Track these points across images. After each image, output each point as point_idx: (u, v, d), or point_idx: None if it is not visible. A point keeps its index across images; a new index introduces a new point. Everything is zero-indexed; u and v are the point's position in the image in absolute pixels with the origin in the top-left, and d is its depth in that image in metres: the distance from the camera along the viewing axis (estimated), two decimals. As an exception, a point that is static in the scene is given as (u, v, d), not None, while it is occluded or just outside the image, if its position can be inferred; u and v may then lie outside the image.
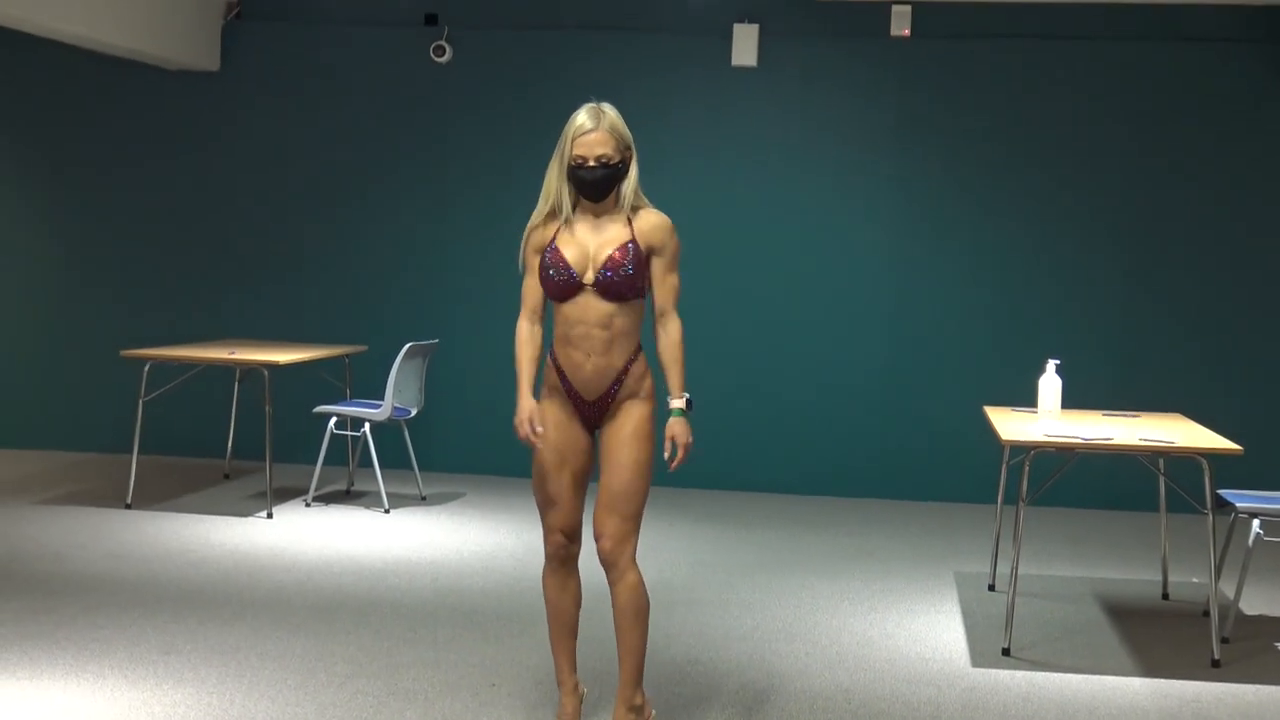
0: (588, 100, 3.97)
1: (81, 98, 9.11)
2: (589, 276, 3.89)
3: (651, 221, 3.92)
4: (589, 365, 3.92)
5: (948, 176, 8.40)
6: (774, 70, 8.49)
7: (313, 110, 8.94)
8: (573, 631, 4.08)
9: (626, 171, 3.93)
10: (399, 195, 8.86)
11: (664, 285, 3.93)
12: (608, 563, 3.94)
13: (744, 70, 8.49)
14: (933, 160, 8.41)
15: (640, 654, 3.95)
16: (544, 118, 9.16)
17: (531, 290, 4.06)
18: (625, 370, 3.92)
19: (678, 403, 3.93)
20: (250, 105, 9.00)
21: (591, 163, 3.87)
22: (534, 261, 4.02)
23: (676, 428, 3.92)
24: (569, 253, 3.92)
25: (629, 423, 3.93)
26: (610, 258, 3.88)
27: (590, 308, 3.92)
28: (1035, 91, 8.33)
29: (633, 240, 3.89)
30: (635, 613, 3.91)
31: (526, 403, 3.95)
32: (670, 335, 3.94)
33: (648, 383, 3.96)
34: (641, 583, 3.92)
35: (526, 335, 4.07)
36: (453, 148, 8.80)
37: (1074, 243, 8.34)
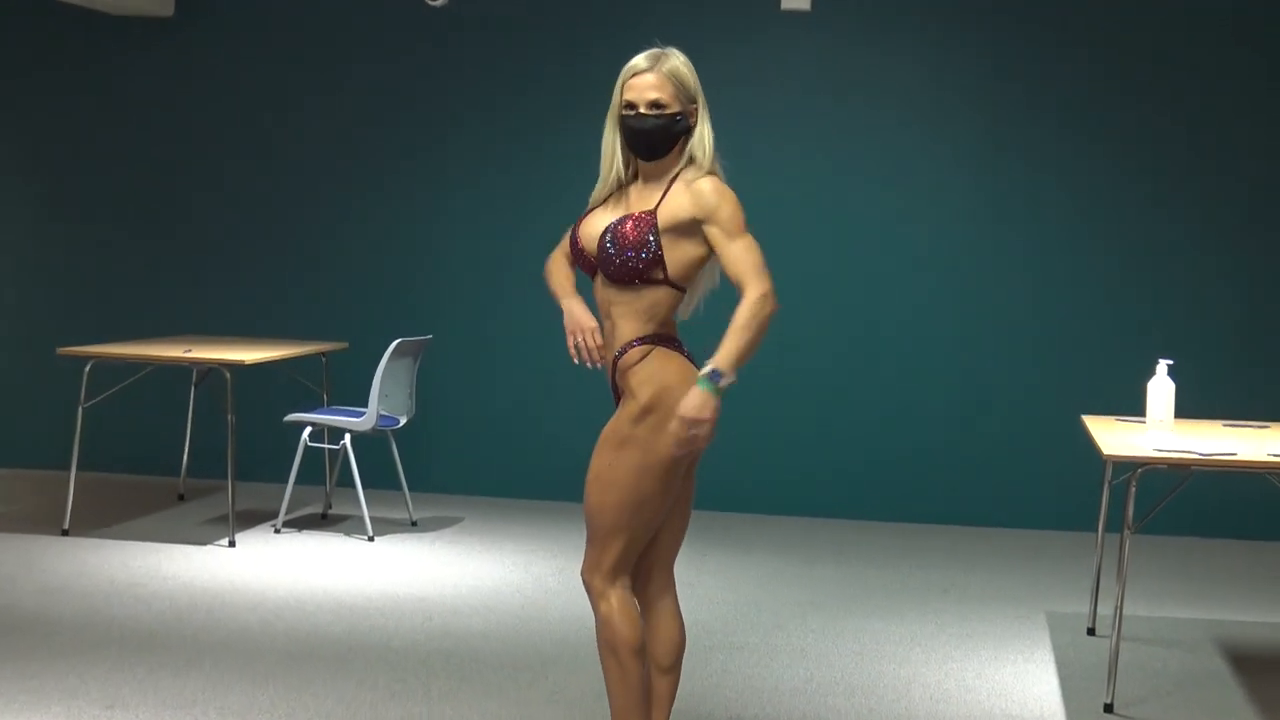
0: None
1: (7, 50, 9.17)
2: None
3: (694, 185, 3.85)
4: (609, 358, 3.96)
5: (1041, 145, 8.37)
6: (831, 15, 8.48)
7: (284, 65, 8.98)
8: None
9: (689, 128, 3.90)
10: (386, 164, 8.89)
11: (729, 254, 3.82)
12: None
13: (796, 15, 8.48)
14: (1023, 125, 8.38)
15: (614, 700, 3.95)
16: (559, 71, 9.26)
17: (570, 237, 4.09)
18: (615, 363, 3.91)
19: (705, 369, 3.73)
20: (210, 59, 9.03)
21: (642, 108, 3.85)
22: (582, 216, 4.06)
23: (689, 399, 3.72)
24: (594, 224, 3.94)
25: (607, 427, 3.93)
26: (615, 230, 3.85)
27: (599, 291, 3.96)
28: (1159, 43, 8.28)
29: (654, 212, 3.85)
30: (605, 649, 3.94)
31: (577, 305, 3.97)
32: (741, 304, 3.78)
33: (646, 384, 3.85)
34: (612, 616, 3.90)
35: (557, 257, 4.12)
36: (451, 108, 8.82)
37: (1190, 224, 8.30)
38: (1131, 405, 6.44)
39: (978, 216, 8.44)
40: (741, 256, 3.83)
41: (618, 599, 3.93)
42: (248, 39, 8.99)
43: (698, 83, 3.92)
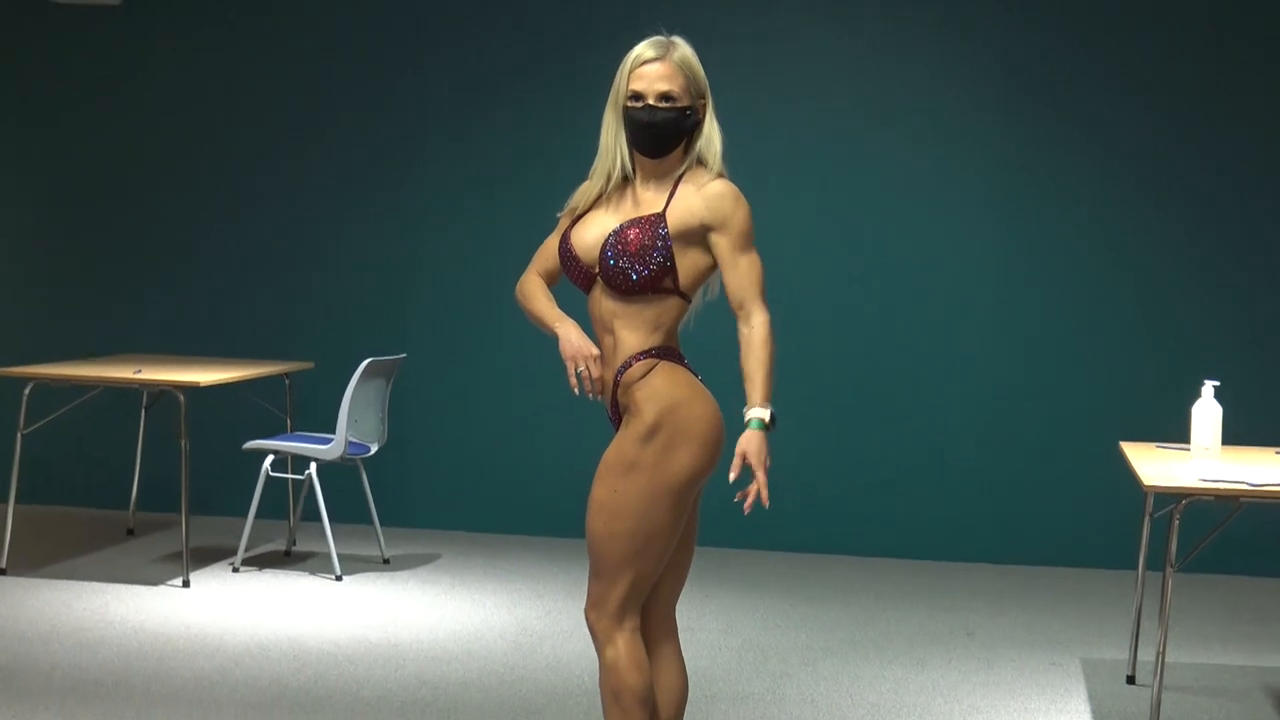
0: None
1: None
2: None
3: (707, 189, 3.86)
4: (608, 379, 3.92)
5: (1076, 143, 8.38)
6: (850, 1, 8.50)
7: (241, 59, 8.99)
8: None
9: (698, 124, 3.91)
10: (355, 166, 8.89)
11: (735, 270, 3.85)
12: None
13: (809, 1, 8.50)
14: (1057, 122, 8.39)
15: None
16: (547, 50, 9.25)
17: (547, 251, 4.07)
18: (616, 382, 3.88)
19: (751, 414, 3.81)
20: (162, 49, 9.05)
21: (651, 100, 3.85)
22: (564, 223, 4.02)
23: (748, 443, 3.80)
24: (590, 231, 3.92)
25: (610, 450, 3.91)
26: (619, 236, 3.84)
27: (598, 303, 3.94)
28: (1197, 53, 8.30)
29: (663, 215, 3.85)
30: (608, 695, 3.92)
31: (573, 330, 3.93)
32: (754, 332, 3.83)
33: (651, 400, 3.84)
34: (618, 662, 3.89)
35: (531, 278, 4.10)
36: (429, 101, 8.83)
37: (1238, 236, 8.30)
38: (1175, 431, 6.43)
39: (1003, 226, 8.44)
40: (749, 274, 3.86)
41: (625, 643, 3.90)
42: (203, 27, 9.00)
43: (703, 74, 3.92)
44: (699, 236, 3.85)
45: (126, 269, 9.09)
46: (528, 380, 8.53)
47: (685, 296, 3.89)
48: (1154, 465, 5.56)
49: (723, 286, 3.90)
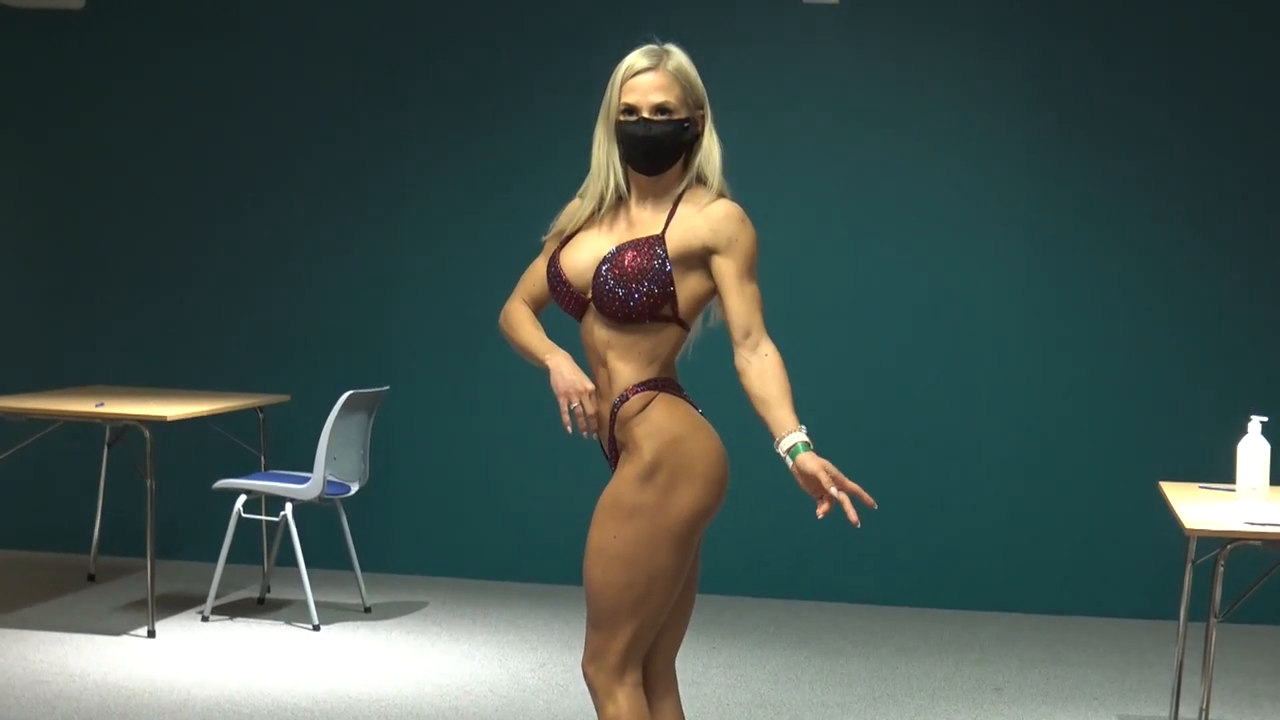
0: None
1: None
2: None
3: (710, 209, 3.86)
4: (604, 414, 3.93)
5: (1107, 160, 8.41)
6: (862, 7, 8.53)
7: (213, 64, 9.02)
8: None
9: (696, 137, 3.91)
10: (333, 182, 8.92)
11: (741, 297, 3.85)
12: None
13: (821, 8, 8.53)
14: (1085, 137, 8.42)
15: None
16: (530, 74, 9.29)
17: (534, 276, 4.09)
18: (612, 417, 3.88)
19: (793, 439, 3.82)
20: (125, 57, 9.08)
21: (646, 113, 3.85)
22: (550, 246, 4.03)
23: (813, 464, 3.80)
24: (582, 253, 3.92)
25: (607, 490, 3.90)
26: (615, 260, 3.84)
27: (591, 332, 3.94)
28: (1248, 46, 8.35)
29: (661, 237, 3.85)
30: None
31: (565, 363, 3.92)
32: (765, 363, 3.84)
33: (651, 436, 3.83)
34: (620, 717, 3.87)
35: (516, 306, 4.12)
36: (411, 123, 8.86)
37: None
38: (1219, 470, 6.44)
39: (1033, 250, 8.46)
40: (755, 301, 3.87)
41: (626, 699, 3.89)
42: (169, 33, 9.03)
43: (700, 83, 3.93)
44: (700, 260, 3.85)
45: (88, 294, 9.11)
46: (519, 415, 8.55)
47: (684, 325, 3.90)
48: (1197, 507, 5.57)
49: (722, 314, 3.90)
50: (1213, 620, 5.18)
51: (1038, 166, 8.46)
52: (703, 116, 3.93)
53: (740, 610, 8.15)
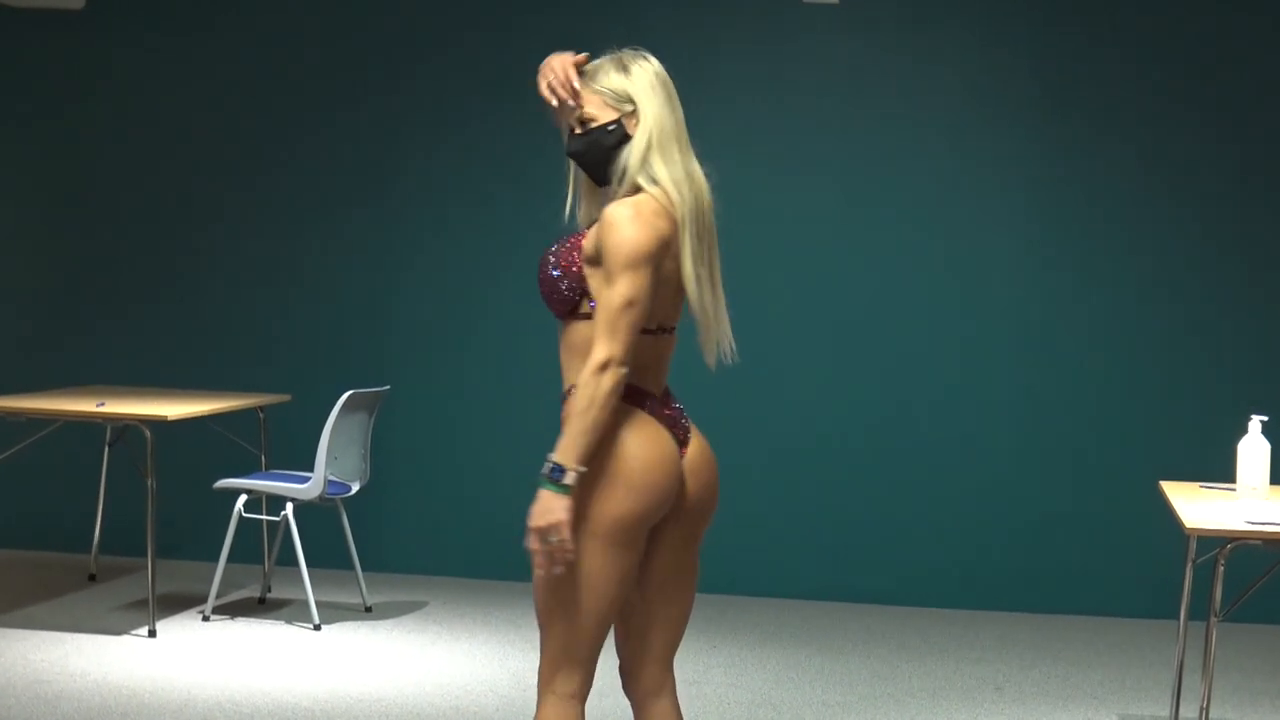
0: (609, 46, 3.97)
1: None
2: None
3: (602, 214, 3.80)
4: None
5: (1110, 162, 8.41)
6: (862, 7, 8.53)
7: (213, 65, 9.03)
8: None
9: (627, 137, 3.86)
10: (334, 182, 8.92)
11: (597, 307, 3.76)
12: None
13: (820, 7, 8.53)
14: (1085, 138, 8.43)
15: None
16: (532, 73, 9.19)
17: None
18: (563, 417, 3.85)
19: (547, 467, 3.73)
20: (125, 57, 9.08)
21: (576, 129, 3.89)
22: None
23: (534, 505, 3.73)
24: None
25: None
26: (548, 254, 3.87)
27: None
28: (1258, 43, 8.35)
29: (580, 238, 3.86)
30: None
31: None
32: (579, 387, 3.72)
33: (600, 448, 3.78)
34: None
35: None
36: (412, 112, 8.87)
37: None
38: (1220, 470, 6.45)
39: (1033, 250, 8.47)
40: (603, 313, 3.73)
41: (552, 710, 3.82)
42: (170, 33, 9.03)
43: (646, 83, 3.86)
44: (599, 263, 3.81)
45: (88, 294, 9.11)
46: (519, 415, 8.55)
47: None
48: (1197, 506, 5.57)
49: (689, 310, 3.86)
50: (1213, 619, 5.18)
51: (1038, 167, 8.47)
52: (632, 114, 3.87)
53: (740, 610, 8.15)
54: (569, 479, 3.68)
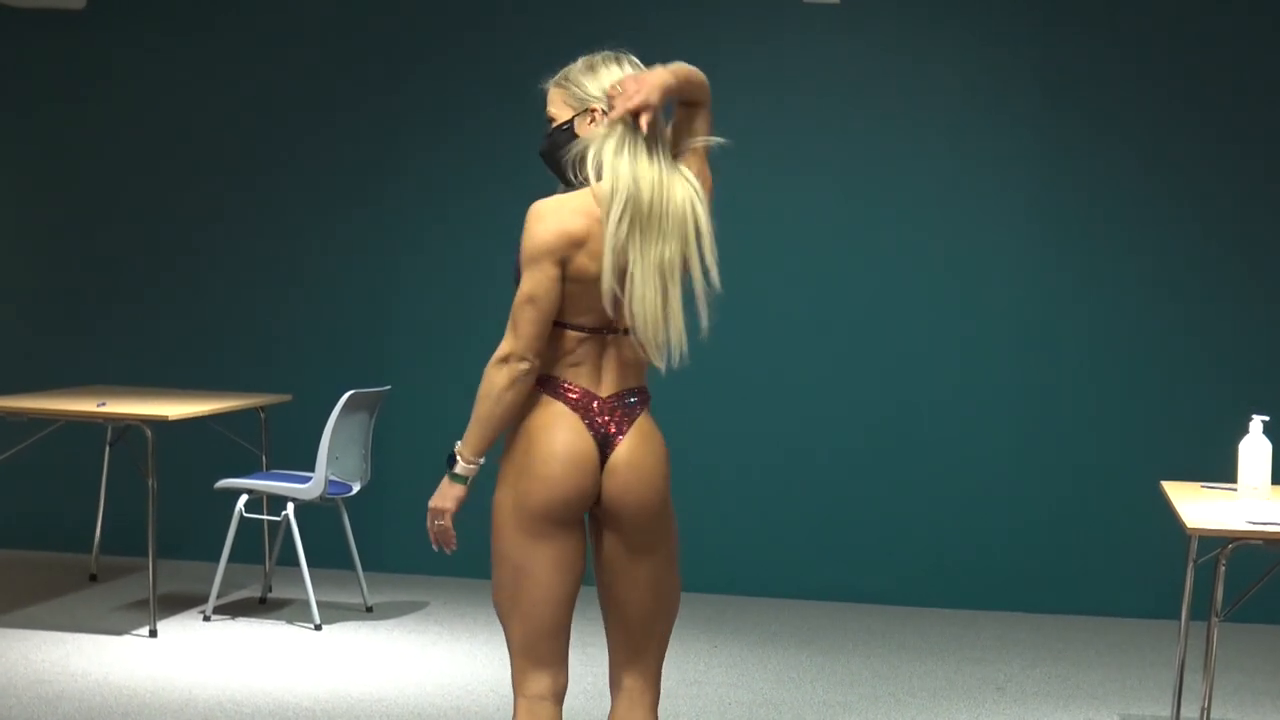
0: (611, 46, 3.99)
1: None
2: None
3: None
4: None
5: (1110, 162, 8.41)
6: (862, 7, 8.54)
7: (213, 65, 9.03)
8: None
9: (574, 136, 3.88)
10: (334, 182, 8.92)
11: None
12: None
13: (820, 7, 8.53)
14: (1087, 138, 8.43)
15: None
16: (532, 73, 9.21)
17: None
18: None
19: (452, 458, 3.93)
20: (125, 57, 9.08)
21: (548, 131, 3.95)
22: None
23: (439, 494, 3.98)
24: None
25: None
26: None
27: None
28: (1259, 45, 8.34)
29: None
30: None
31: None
32: (484, 378, 3.83)
33: (513, 439, 3.87)
34: None
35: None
36: (413, 112, 8.86)
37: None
38: (1221, 470, 6.45)
39: (1034, 250, 8.47)
40: (513, 309, 3.83)
41: (526, 716, 3.86)
42: (171, 33, 9.03)
43: (594, 80, 3.89)
44: None
45: (89, 294, 9.11)
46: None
47: (560, 323, 3.83)
48: (1198, 506, 5.57)
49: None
50: (1214, 619, 5.18)
51: (1040, 166, 8.47)
52: (593, 113, 3.87)
53: (741, 610, 8.15)
54: (459, 468, 3.87)
